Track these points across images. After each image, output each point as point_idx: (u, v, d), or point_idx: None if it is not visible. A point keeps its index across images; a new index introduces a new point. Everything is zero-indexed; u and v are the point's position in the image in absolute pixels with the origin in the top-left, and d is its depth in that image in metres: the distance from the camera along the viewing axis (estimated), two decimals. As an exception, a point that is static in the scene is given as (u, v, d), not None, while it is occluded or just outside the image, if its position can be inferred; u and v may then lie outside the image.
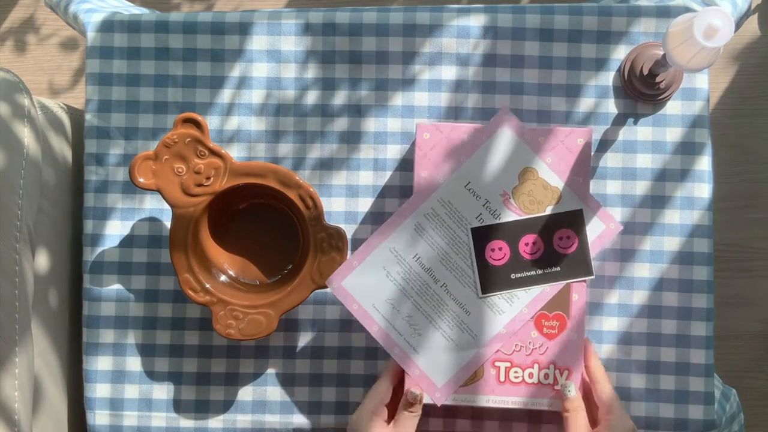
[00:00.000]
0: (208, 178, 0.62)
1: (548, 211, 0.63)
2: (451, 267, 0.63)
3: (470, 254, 0.63)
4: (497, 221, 0.63)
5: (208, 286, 0.63)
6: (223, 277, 0.65)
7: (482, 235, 0.63)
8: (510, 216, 0.63)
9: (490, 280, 0.63)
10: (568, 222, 0.63)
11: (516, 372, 0.63)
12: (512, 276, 0.63)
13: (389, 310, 0.63)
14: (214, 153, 0.62)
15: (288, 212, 0.67)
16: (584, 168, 0.63)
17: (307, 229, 0.63)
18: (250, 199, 0.67)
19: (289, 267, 0.67)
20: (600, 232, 0.63)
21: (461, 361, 0.63)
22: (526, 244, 0.63)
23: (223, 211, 0.67)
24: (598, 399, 0.62)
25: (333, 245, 0.62)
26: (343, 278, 0.63)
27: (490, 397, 0.63)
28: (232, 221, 0.68)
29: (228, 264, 0.67)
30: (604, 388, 0.62)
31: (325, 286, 0.63)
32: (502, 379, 0.63)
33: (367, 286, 0.63)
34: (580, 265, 0.63)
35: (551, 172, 0.63)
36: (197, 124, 0.62)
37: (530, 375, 0.63)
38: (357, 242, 0.69)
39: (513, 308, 0.63)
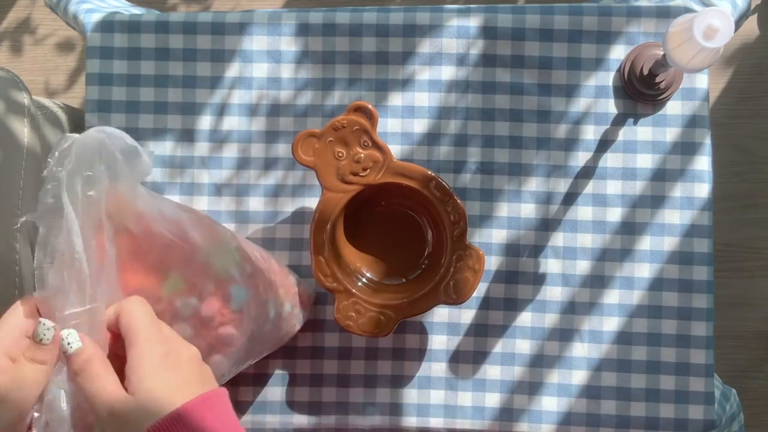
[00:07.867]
0: (365, 170, 0.61)
1: None
2: None
3: None
4: None
5: (336, 272, 0.62)
6: (349, 268, 0.64)
7: None
8: None
9: None
10: None
11: None
12: None
13: None
14: (377, 146, 0.61)
15: (426, 219, 0.66)
16: None
17: (446, 244, 0.62)
18: (389, 198, 0.66)
19: (417, 273, 0.66)
20: None
21: None
22: None
23: (362, 206, 0.65)
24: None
25: (470, 266, 0.61)
26: None
27: None
28: (364, 216, 0.67)
29: (354, 257, 0.66)
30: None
31: (453, 304, 0.62)
32: None
33: None
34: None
35: None
36: (369, 115, 0.61)
37: None
38: (357, 242, 0.68)
39: None
